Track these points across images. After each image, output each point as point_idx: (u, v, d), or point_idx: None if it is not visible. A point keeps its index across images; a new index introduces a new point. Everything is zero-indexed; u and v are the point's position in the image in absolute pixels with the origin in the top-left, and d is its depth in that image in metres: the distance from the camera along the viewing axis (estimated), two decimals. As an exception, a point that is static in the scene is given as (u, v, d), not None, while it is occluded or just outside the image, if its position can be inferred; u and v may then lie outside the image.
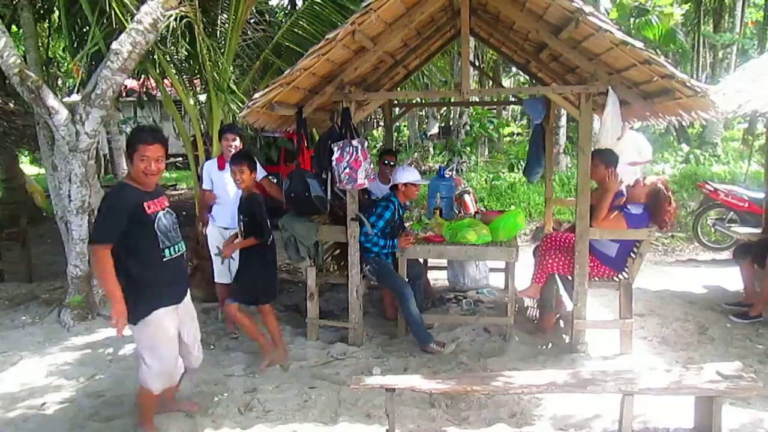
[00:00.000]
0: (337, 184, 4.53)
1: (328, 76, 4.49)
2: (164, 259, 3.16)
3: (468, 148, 13.63)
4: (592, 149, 4.59)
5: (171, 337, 3.25)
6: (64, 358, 4.60)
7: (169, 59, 6.31)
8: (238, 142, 4.99)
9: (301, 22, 6.59)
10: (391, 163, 5.86)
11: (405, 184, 4.87)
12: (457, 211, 6.04)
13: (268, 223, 4.18)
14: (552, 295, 4.99)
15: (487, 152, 17.28)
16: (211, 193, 5.08)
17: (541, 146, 6.13)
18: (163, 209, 3.19)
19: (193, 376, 4.18)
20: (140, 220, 3.06)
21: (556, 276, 4.86)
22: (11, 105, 8.13)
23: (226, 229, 4.99)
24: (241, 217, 4.23)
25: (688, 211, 9.50)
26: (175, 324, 3.28)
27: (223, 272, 5.09)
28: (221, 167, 5.00)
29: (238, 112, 5.19)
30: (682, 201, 10.05)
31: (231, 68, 6.04)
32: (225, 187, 4.96)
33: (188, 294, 3.45)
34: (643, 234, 4.40)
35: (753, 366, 4.08)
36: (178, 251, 3.25)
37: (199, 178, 6.15)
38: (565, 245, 4.79)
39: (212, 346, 4.81)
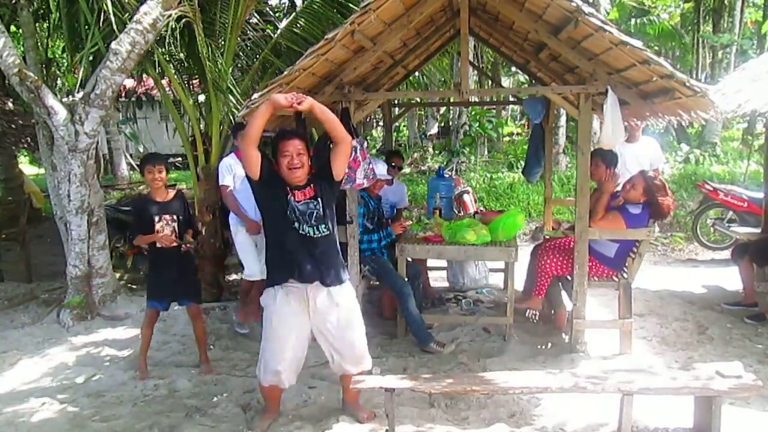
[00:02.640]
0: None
1: (327, 76, 4.49)
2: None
3: (467, 148, 13.63)
4: (593, 149, 4.60)
5: (282, 330, 3.19)
6: (64, 359, 4.60)
7: (168, 59, 6.31)
8: None
9: (300, 22, 6.59)
10: (399, 167, 5.84)
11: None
12: (456, 211, 6.04)
13: None
14: (559, 292, 4.98)
15: (486, 152, 17.28)
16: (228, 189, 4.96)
17: (541, 146, 6.13)
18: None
19: (193, 376, 4.20)
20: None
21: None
22: (10, 105, 8.12)
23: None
24: (176, 217, 4.19)
25: (688, 210, 9.50)
26: (295, 321, 3.20)
27: (255, 268, 5.00)
28: None
29: (237, 111, 5.18)
30: (682, 201, 10.05)
31: (230, 68, 6.03)
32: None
33: (335, 289, 3.25)
34: (643, 234, 4.41)
35: (752, 366, 4.08)
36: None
37: (198, 178, 6.15)
38: (562, 247, 4.80)
39: (212, 346, 4.82)
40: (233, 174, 4.94)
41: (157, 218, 4.11)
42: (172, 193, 4.26)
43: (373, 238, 4.81)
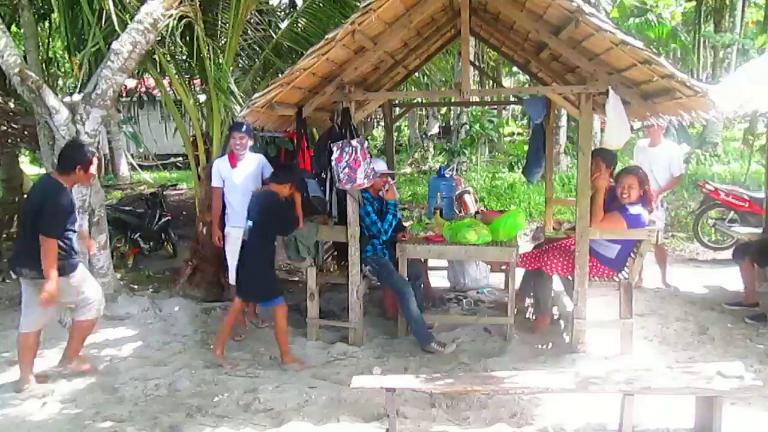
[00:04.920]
0: (337, 184, 4.53)
1: (328, 76, 4.50)
2: None
3: (468, 149, 13.63)
4: (593, 149, 4.60)
5: None
6: (64, 358, 4.59)
7: (169, 59, 6.31)
8: (246, 141, 5.02)
9: (301, 22, 6.59)
10: None
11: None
12: (457, 211, 6.04)
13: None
14: (548, 296, 4.99)
15: (487, 152, 17.29)
16: (220, 190, 5.15)
17: (541, 146, 6.12)
18: None
19: (194, 376, 4.20)
20: None
21: (557, 276, 4.87)
22: (12, 105, 8.12)
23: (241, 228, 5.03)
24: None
25: (689, 210, 9.49)
26: None
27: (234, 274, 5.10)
28: (233, 165, 5.04)
29: (238, 112, 5.19)
30: (683, 201, 10.04)
31: (231, 68, 6.03)
32: (245, 184, 5.04)
33: None
34: (643, 234, 4.40)
35: (753, 366, 4.07)
36: None
37: (199, 177, 6.16)
38: (565, 247, 4.80)
39: (212, 346, 4.81)
40: (221, 176, 5.13)
41: None
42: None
43: (383, 228, 4.85)
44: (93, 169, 4.10)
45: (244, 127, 5.02)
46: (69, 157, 4.03)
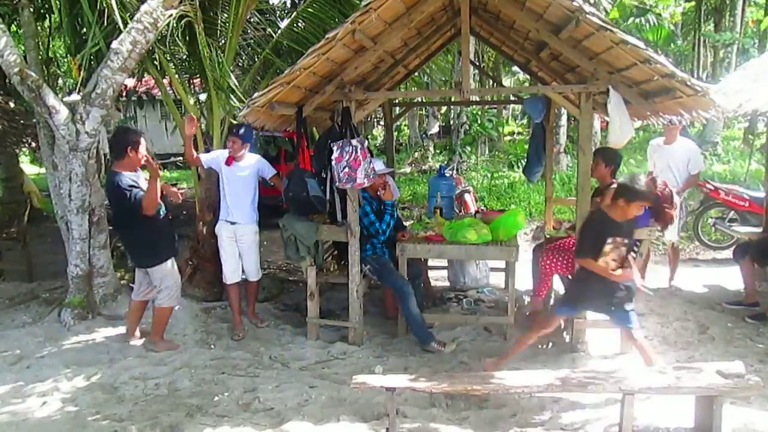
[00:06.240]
0: (336, 184, 4.53)
1: (328, 76, 4.49)
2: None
3: (468, 148, 13.65)
4: (594, 148, 4.60)
5: None
6: (65, 358, 4.59)
7: (169, 58, 6.31)
8: (237, 145, 5.00)
9: (300, 22, 6.59)
10: None
11: None
12: (457, 210, 6.04)
13: None
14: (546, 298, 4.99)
15: (487, 151, 17.30)
16: (199, 158, 5.25)
17: (542, 145, 6.12)
18: None
19: (194, 375, 4.20)
20: None
21: (557, 276, 4.87)
22: (12, 104, 8.13)
23: (233, 223, 5.03)
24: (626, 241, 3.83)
25: (689, 210, 9.47)
26: None
27: (236, 272, 5.12)
28: (228, 163, 5.05)
29: (238, 111, 5.19)
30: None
31: (231, 68, 6.03)
32: (235, 182, 5.03)
33: None
34: (643, 234, 4.40)
35: (753, 365, 4.08)
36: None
37: (199, 177, 6.16)
38: (564, 246, 4.80)
39: (212, 346, 4.82)
40: (218, 163, 5.15)
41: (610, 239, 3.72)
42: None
43: (381, 228, 4.84)
44: (142, 148, 4.35)
45: (239, 130, 5.00)
46: (117, 143, 4.38)
